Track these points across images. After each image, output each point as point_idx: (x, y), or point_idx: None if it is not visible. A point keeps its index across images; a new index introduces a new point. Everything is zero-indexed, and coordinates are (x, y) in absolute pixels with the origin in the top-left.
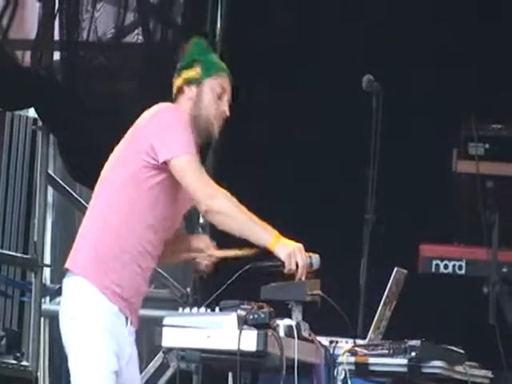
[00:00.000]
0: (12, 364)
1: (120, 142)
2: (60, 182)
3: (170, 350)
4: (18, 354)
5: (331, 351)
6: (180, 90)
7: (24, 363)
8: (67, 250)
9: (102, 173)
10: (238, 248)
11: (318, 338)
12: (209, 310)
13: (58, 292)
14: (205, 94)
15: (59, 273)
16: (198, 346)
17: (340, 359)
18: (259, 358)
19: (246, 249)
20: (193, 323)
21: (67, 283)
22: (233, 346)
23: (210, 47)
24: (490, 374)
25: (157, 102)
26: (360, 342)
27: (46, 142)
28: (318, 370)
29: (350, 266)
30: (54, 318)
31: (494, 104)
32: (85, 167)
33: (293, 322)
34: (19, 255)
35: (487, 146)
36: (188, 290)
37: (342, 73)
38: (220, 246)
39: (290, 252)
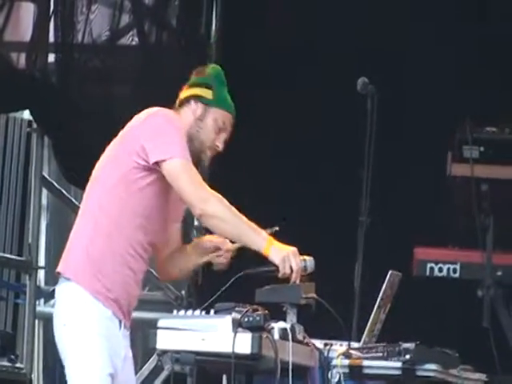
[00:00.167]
0: (6, 366)
1: (111, 143)
2: (54, 184)
3: (164, 352)
4: (13, 356)
5: (325, 354)
6: (187, 100)
7: (18, 365)
8: (61, 252)
9: (93, 173)
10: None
11: (313, 341)
12: (203, 313)
13: (53, 294)
14: (207, 119)
15: (53, 275)
16: (193, 348)
17: (334, 362)
18: (254, 361)
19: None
20: (187, 326)
21: (60, 289)
22: (227, 349)
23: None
24: (484, 377)
25: (151, 105)
26: (354, 344)
27: (41, 144)
28: (312, 372)
29: (345, 269)
30: (48, 320)
31: (488, 107)
32: (79, 169)
33: (287, 325)
34: (13, 257)
35: (482, 149)
36: (182, 292)
37: (337, 75)
38: None
39: (284, 256)
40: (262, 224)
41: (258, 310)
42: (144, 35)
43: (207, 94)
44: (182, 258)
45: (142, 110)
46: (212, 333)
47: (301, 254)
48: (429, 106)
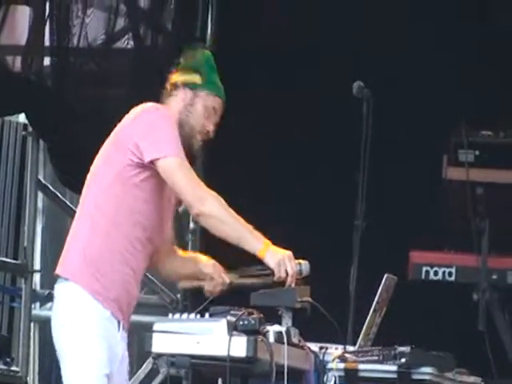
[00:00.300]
0: (2, 369)
1: (105, 143)
2: (50, 187)
3: (159, 355)
4: (8, 360)
5: (321, 357)
6: (175, 88)
7: (14, 368)
8: (57, 255)
9: (88, 176)
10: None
11: (308, 344)
12: (199, 316)
13: (48, 297)
14: (197, 105)
15: (49, 278)
16: (188, 351)
17: (330, 365)
18: (249, 364)
19: (263, 277)
20: (183, 329)
21: (59, 289)
22: (223, 352)
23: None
24: (479, 380)
25: None
26: (350, 348)
27: (36, 147)
28: (307, 376)
29: (340, 273)
30: (44, 324)
31: (484, 111)
32: (75, 173)
33: (283, 328)
34: (9, 261)
35: (477, 152)
36: (178, 296)
37: (333, 78)
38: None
39: (280, 260)
40: (257, 225)
41: (253, 314)
42: (139, 39)
43: (196, 78)
44: (181, 264)
45: None
46: (207, 336)
47: (296, 257)
48: (424, 110)
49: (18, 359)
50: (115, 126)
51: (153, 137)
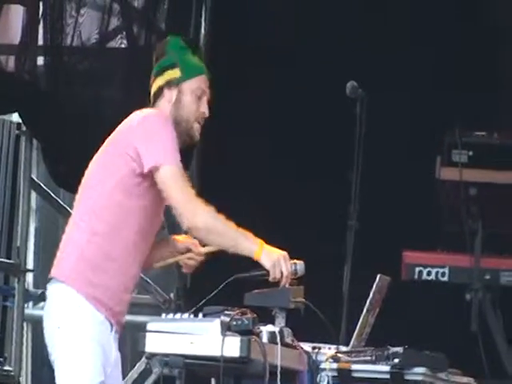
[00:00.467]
0: None
1: (101, 148)
2: (43, 187)
3: (153, 355)
4: (1, 359)
5: (314, 357)
6: (160, 91)
7: (7, 368)
8: (50, 255)
9: (84, 180)
10: None
11: (301, 345)
12: (192, 316)
13: (41, 297)
14: (184, 97)
15: (42, 278)
16: (182, 351)
17: (323, 365)
18: (242, 364)
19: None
20: (176, 329)
21: (52, 290)
22: (216, 352)
23: (186, 45)
24: (472, 380)
25: (140, 107)
26: (343, 348)
27: (30, 146)
28: (300, 376)
29: (334, 273)
30: (36, 323)
31: (477, 111)
32: (68, 172)
33: (276, 329)
34: (2, 260)
35: (471, 153)
36: (171, 295)
37: (326, 78)
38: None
39: (275, 261)
40: (252, 226)
41: (246, 314)
42: (133, 38)
43: (175, 73)
44: (157, 250)
45: (131, 112)
46: (201, 336)
47: (291, 257)
48: (418, 110)
49: (10, 358)
50: (108, 124)
51: (152, 144)
